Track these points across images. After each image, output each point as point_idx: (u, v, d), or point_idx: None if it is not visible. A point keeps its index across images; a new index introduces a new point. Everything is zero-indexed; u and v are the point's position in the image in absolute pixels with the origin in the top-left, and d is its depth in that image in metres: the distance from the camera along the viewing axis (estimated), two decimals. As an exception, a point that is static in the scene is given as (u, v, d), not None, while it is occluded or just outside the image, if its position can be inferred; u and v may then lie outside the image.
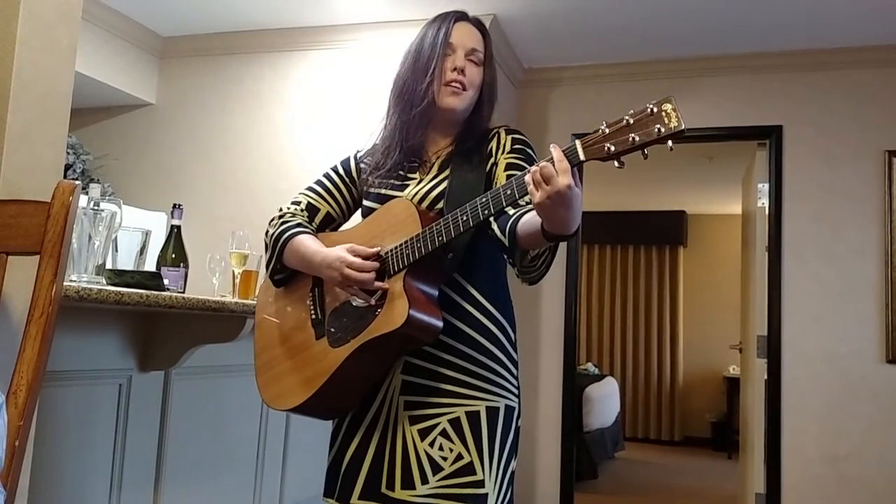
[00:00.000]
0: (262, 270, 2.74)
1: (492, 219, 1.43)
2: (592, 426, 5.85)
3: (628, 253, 8.25)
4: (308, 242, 1.57)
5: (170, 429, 2.18)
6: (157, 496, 2.14)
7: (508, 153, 1.59)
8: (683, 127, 1.18)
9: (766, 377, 3.98)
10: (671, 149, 1.21)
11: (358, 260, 1.46)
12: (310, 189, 1.73)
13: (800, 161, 4.03)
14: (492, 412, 1.52)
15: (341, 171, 1.74)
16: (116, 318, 2.00)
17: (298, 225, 1.63)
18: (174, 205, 2.68)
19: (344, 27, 4.04)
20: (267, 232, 1.65)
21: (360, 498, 1.51)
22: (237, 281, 2.67)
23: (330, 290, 1.56)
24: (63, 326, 1.74)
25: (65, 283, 1.42)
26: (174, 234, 2.63)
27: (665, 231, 8.10)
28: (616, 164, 1.23)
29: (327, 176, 1.74)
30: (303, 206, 1.70)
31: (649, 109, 1.20)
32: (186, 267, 2.63)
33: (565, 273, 4.33)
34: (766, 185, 4.09)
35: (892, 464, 3.72)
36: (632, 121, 1.21)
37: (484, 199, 1.35)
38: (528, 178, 1.25)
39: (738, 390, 5.72)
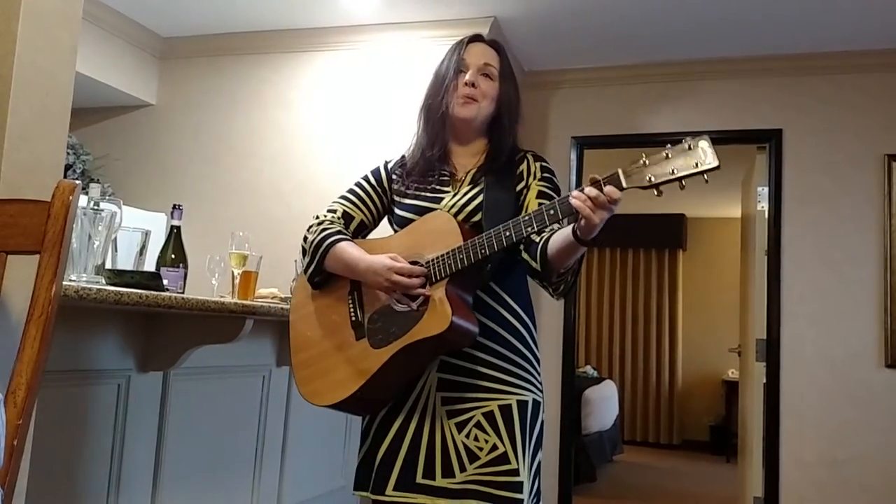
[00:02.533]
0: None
1: (522, 247, 1.62)
2: (591, 429, 5.84)
3: (627, 256, 8.26)
4: (350, 249, 1.67)
5: (168, 429, 2.17)
6: (154, 497, 2.14)
7: (539, 181, 1.74)
8: (718, 164, 1.33)
9: (764, 381, 3.99)
10: (706, 181, 1.35)
11: (407, 265, 1.57)
12: (344, 198, 1.83)
13: (799, 165, 4.03)
14: (522, 405, 1.63)
15: (373, 180, 1.84)
16: (116, 319, 2.00)
17: (339, 232, 1.73)
18: (174, 205, 2.68)
19: (347, 29, 4.04)
20: (306, 238, 1.75)
21: (394, 489, 1.60)
22: (236, 282, 2.67)
23: (369, 293, 1.66)
24: (62, 326, 1.74)
25: (64, 283, 1.42)
26: (174, 235, 2.63)
27: (664, 234, 8.10)
28: (655, 192, 1.38)
29: (359, 185, 1.84)
30: (339, 213, 1.80)
31: (687, 145, 1.36)
32: (186, 267, 2.63)
33: (564, 276, 4.33)
34: (766, 189, 4.10)
35: (891, 468, 3.72)
36: (670, 154, 1.36)
37: (527, 218, 1.49)
38: (575, 203, 1.40)
39: (736, 394, 5.72)
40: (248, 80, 4.24)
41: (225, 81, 4.29)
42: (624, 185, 1.39)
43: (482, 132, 1.79)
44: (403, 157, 1.84)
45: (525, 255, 1.63)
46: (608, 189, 1.38)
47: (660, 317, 8.10)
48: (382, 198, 1.82)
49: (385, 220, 1.85)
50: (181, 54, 4.38)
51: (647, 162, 1.38)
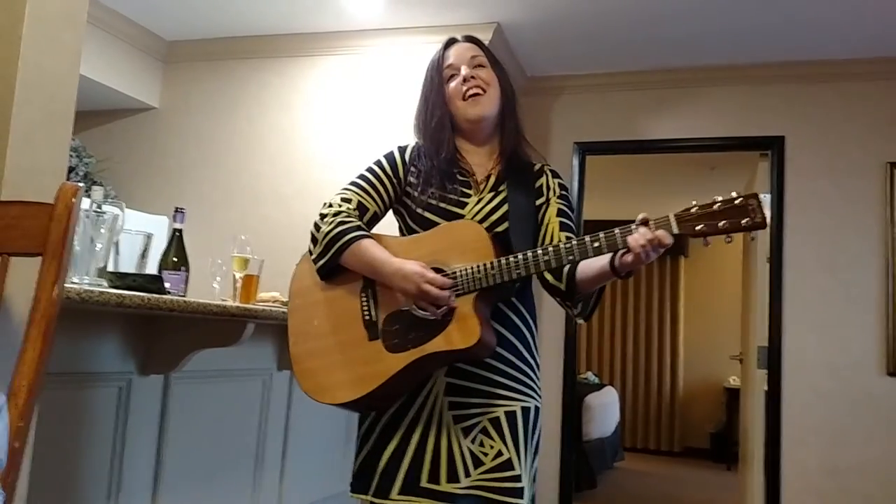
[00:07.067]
0: (269, 263, 2.74)
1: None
2: (592, 435, 5.83)
3: (629, 262, 8.24)
4: (374, 250, 1.61)
5: (169, 433, 2.17)
6: (155, 500, 2.14)
7: (558, 198, 1.76)
8: (768, 223, 1.41)
9: (766, 388, 3.98)
10: (753, 238, 1.42)
11: (440, 277, 1.54)
12: (357, 186, 1.75)
13: (802, 172, 4.03)
14: (525, 412, 1.64)
15: (387, 167, 1.76)
16: (117, 321, 2.00)
17: (359, 228, 1.65)
18: (176, 208, 2.68)
19: (351, 33, 4.05)
20: (318, 227, 1.67)
21: (399, 493, 1.59)
22: (238, 285, 2.67)
23: (386, 294, 1.61)
24: (64, 328, 1.74)
25: (66, 285, 1.42)
26: (176, 238, 2.63)
27: (666, 241, 8.09)
28: (703, 242, 1.46)
29: (373, 172, 1.76)
30: (353, 204, 1.71)
31: (738, 200, 1.41)
32: (188, 271, 2.63)
33: (566, 281, 4.33)
34: (768, 196, 4.08)
35: (893, 476, 3.70)
36: (722, 207, 1.42)
37: (569, 246, 1.50)
38: (633, 243, 1.43)
39: (738, 401, 5.71)
40: (252, 83, 4.25)
41: (228, 85, 4.29)
42: (675, 230, 1.43)
43: (494, 129, 1.76)
44: (418, 144, 1.79)
45: (549, 276, 1.65)
46: (660, 233, 1.43)
47: (661, 323, 8.09)
48: (396, 187, 1.75)
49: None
50: (185, 58, 4.39)
51: (698, 212, 1.43)
